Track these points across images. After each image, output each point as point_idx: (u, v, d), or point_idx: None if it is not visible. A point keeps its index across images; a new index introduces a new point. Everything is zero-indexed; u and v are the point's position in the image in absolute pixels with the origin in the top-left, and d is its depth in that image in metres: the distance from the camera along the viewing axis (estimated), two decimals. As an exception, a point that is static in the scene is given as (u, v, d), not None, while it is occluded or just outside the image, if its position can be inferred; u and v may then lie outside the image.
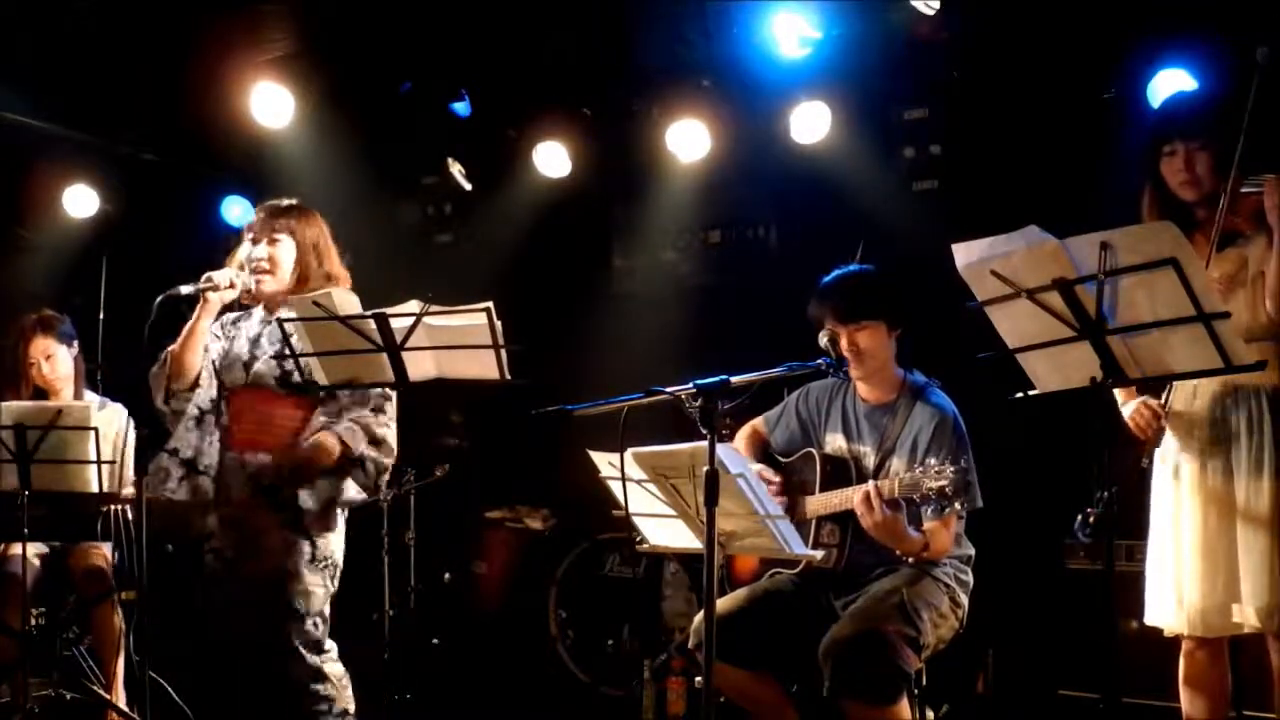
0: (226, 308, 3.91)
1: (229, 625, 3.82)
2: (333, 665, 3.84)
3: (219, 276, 3.81)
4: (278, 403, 3.84)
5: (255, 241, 3.89)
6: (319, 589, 3.81)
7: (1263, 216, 3.08)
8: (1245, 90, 3.09)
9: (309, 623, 3.78)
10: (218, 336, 3.95)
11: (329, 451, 3.71)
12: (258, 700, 3.84)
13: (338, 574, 3.88)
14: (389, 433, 3.82)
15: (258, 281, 3.85)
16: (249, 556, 3.79)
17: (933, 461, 3.30)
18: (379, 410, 3.81)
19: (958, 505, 3.24)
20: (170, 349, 3.81)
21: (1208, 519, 3.14)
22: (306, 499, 3.75)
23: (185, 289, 3.75)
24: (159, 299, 3.67)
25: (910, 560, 3.50)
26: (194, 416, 3.85)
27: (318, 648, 3.81)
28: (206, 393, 3.88)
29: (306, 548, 3.80)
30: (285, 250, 3.89)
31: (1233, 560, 3.10)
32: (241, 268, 3.88)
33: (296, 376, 3.67)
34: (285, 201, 3.98)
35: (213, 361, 3.91)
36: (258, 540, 3.79)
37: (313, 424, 3.79)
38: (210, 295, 3.79)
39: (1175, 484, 3.23)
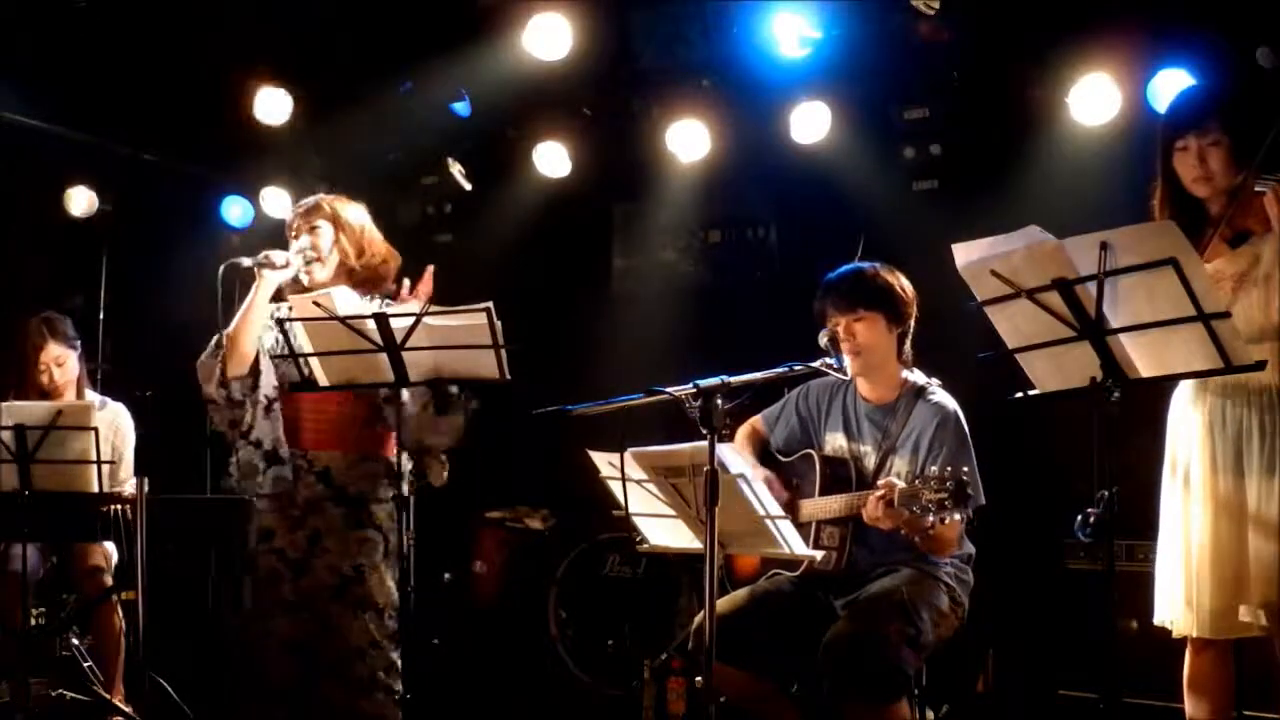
0: (277, 296, 3.89)
1: (289, 625, 3.75)
2: (397, 655, 3.80)
3: (276, 255, 3.80)
4: (335, 399, 3.82)
5: (296, 236, 3.91)
6: (391, 581, 3.79)
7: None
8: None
9: (386, 616, 3.78)
10: (270, 327, 3.90)
11: None
12: (318, 710, 3.76)
13: (403, 564, 3.84)
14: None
15: (308, 272, 3.85)
16: (317, 555, 3.77)
17: (934, 470, 3.29)
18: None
19: (958, 516, 3.23)
20: (224, 332, 3.75)
21: (1218, 520, 3.12)
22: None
23: (245, 261, 3.74)
24: (222, 268, 3.65)
25: (916, 543, 3.48)
26: (264, 405, 3.82)
27: (395, 640, 3.78)
28: (269, 379, 3.84)
29: (380, 541, 3.80)
30: (325, 237, 3.90)
31: (1242, 562, 3.08)
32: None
33: (297, 375, 3.68)
34: (321, 194, 4.01)
35: (270, 349, 3.88)
36: (328, 538, 3.78)
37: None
38: (266, 273, 3.77)
39: (1185, 485, 3.21)
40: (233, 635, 3.92)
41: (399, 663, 3.78)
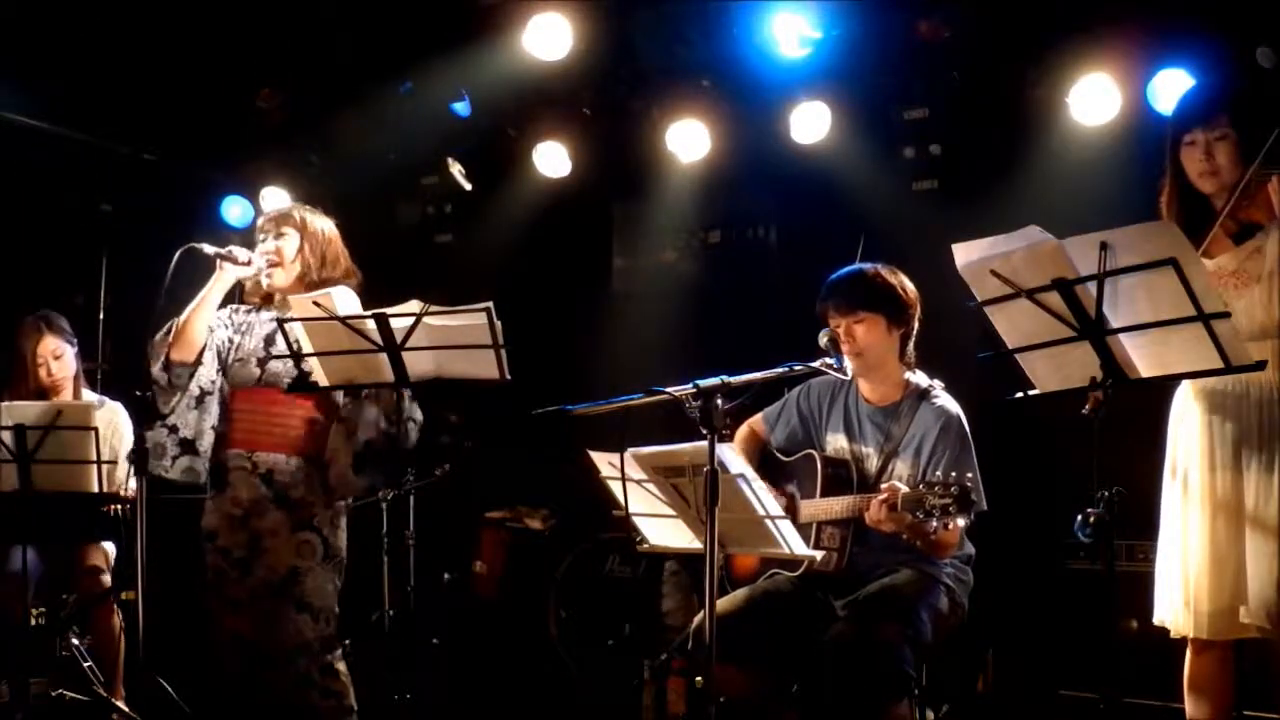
0: (235, 297, 3.94)
1: (237, 625, 3.81)
2: (340, 663, 3.86)
3: (239, 251, 3.87)
4: (288, 401, 3.85)
5: (263, 239, 3.96)
6: (330, 586, 3.83)
7: None
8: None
9: (322, 619, 3.79)
10: (225, 324, 3.96)
11: None
12: (263, 700, 3.84)
13: (343, 570, 3.90)
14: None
15: (268, 274, 3.90)
16: (258, 555, 3.80)
17: (938, 475, 3.29)
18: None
19: (961, 522, 3.23)
20: (176, 319, 3.82)
21: (1216, 521, 3.12)
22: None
23: (207, 249, 3.80)
24: (180, 250, 3.71)
25: (917, 546, 3.49)
26: (195, 396, 3.86)
27: (330, 645, 3.82)
28: (208, 373, 3.88)
29: (319, 545, 3.81)
30: (290, 245, 3.95)
31: (1241, 563, 3.08)
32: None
33: (309, 376, 3.69)
34: (295, 203, 4.06)
35: (218, 346, 3.92)
36: (268, 539, 3.80)
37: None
38: (227, 265, 3.84)
39: (1184, 485, 3.21)
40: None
41: (339, 666, 3.83)
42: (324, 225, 4.03)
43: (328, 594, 3.83)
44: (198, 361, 3.85)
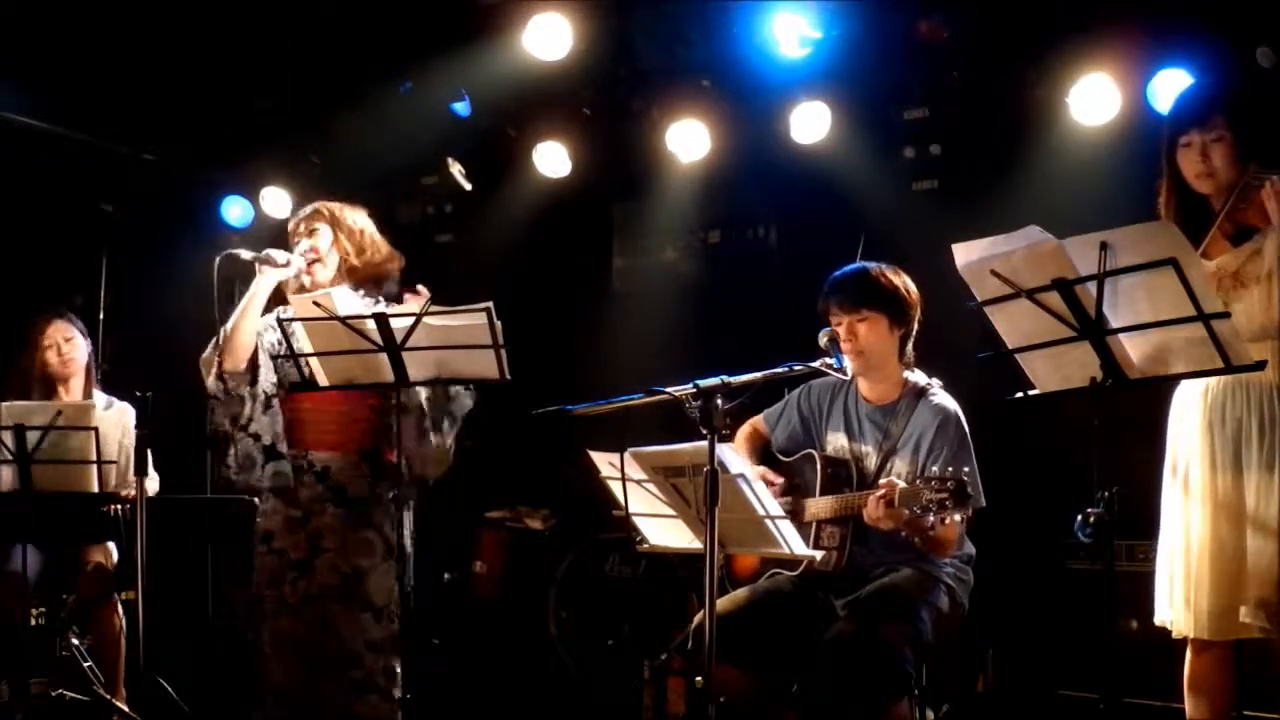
0: (278, 299, 3.92)
1: (290, 626, 3.77)
2: (398, 661, 3.83)
3: (276, 253, 3.84)
4: (337, 399, 3.85)
5: (297, 240, 3.95)
6: (393, 584, 3.81)
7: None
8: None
9: (385, 618, 3.78)
10: (273, 327, 3.93)
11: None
12: (316, 708, 3.78)
13: (408, 565, 3.86)
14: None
15: (309, 272, 3.89)
16: (319, 555, 3.79)
17: (934, 470, 3.29)
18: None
19: (957, 517, 3.23)
20: (223, 327, 3.79)
21: (1218, 522, 3.12)
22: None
23: (245, 254, 3.80)
24: (218, 258, 3.69)
25: (916, 544, 3.49)
26: (263, 401, 3.86)
27: (395, 645, 3.80)
28: (269, 375, 3.87)
29: (379, 542, 3.80)
30: (324, 239, 3.94)
31: (1242, 563, 3.08)
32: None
33: (297, 375, 3.69)
34: (321, 200, 4.05)
35: (269, 349, 3.91)
36: (328, 538, 3.79)
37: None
38: (266, 269, 3.81)
39: (1184, 485, 3.21)
40: (232, 635, 3.94)
41: (398, 667, 3.79)
42: (355, 215, 4.02)
43: (390, 590, 3.80)
44: (251, 366, 3.83)
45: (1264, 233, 3.09)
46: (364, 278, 3.93)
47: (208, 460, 6.07)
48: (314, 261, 3.89)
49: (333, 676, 3.76)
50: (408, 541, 3.87)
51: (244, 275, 3.86)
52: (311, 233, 3.93)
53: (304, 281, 3.89)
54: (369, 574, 3.78)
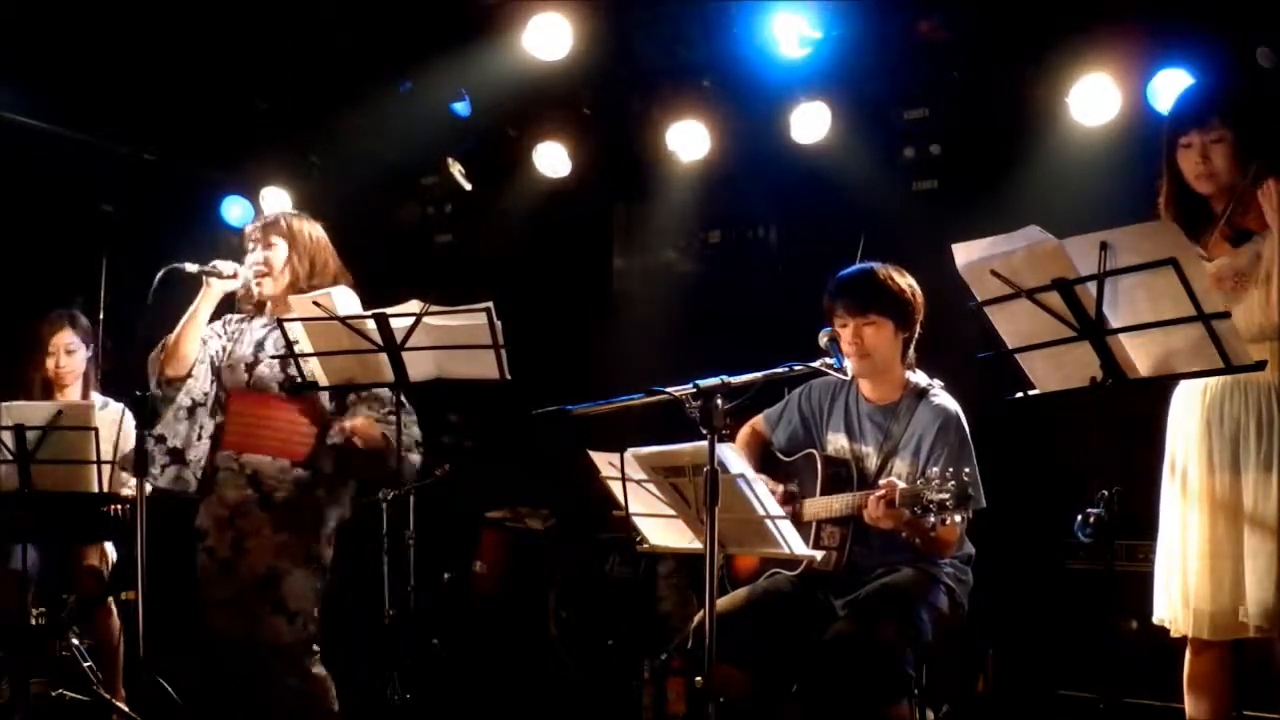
0: (227, 306, 3.97)
1: (221, 623, 3.84)
2: (317, 667, 3.87)
3: (223, 265, 3.90)
4: (278, 406, 3.88)
5: (251, 248, 3.99)
6: (310, 590, 3.84)
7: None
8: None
9: (298, 622, 3.80)
10: (219, 335, 4.01)
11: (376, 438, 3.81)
12: (248, 700, 3.88)
13: (326, 575, 3.91)
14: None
15: (258, 284, 3.92)
16: (241, 555, 3.81)
17: (935, 470, 3.29)
18: (409, 414, 3.87)
19: (958, 518, 3.23)
20: (168, 336, 3.89)
21: (1215, 522, 3.12)
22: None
23: (190, 267, 3.85)
24: (162, 271, 3.77)
25: (916, 544, 3.48)
26: (185, 407, 3.92)
27: (306, 648, 3.83)
28: (200, 385, 3.94)
29: (300, 548, 3.82)
30: (279, 254, 3.97)
31: (1240, 563, 3.08)
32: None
33: (299, 378, 3.69)
34: (283, 210, 4.08)
35: (211, 357, 3.97)
36: (251, 539, 3.81)
37: (333, 426, 3.86)
38: (213, 281, 3.88)
39: (1183, 484, 3.21)
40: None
41: (315, 670, 3.84)
42: (312, 231, 4.04)
43: (307, 597, 3.83)
44: (189, 375, 3.90)
45: (1263, 235, 3.09)
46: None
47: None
48: (263, 275, 3.94)
49: (258, 670, 3.82)
50: (327, 550, 3.90)
51: (191, 285, 3.91)
52: (269, 246, 3.96)
53: (251, 292, 3.96)
54: (285, 577, 3.80)
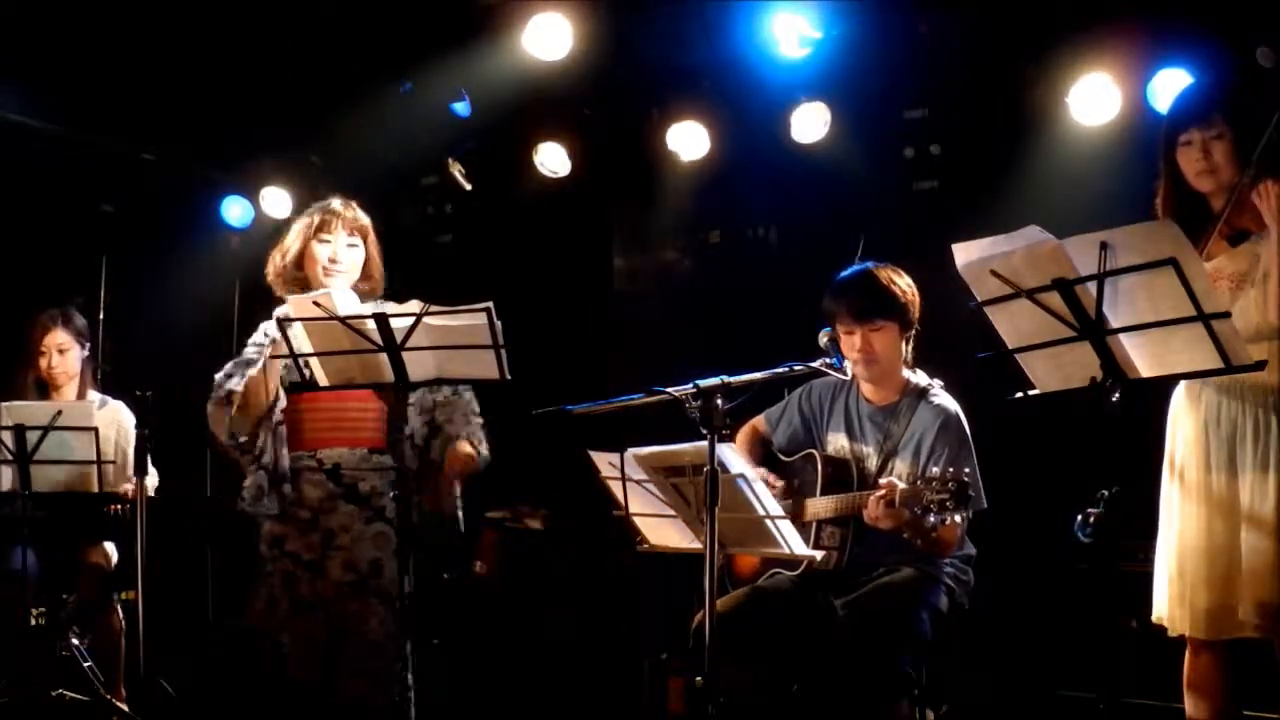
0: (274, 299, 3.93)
1: (309, 628, 3.79)
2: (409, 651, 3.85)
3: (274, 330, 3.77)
4: (350, 396, 3.84)
5: (327, 233, 3.93)
6: (405, 576, 3.82)
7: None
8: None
9: (399, 607, 3.79)
10: (267, 334, 3.93)
11: (472, 460, 3.82)
12: (335, 707, 3.80)
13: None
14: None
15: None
16: (333, 553, 3.80)
17: (935, 471, 3.29)
18: (477, 412, 3.89)
19: (958, 518, 3.23)
20: (234, 389, 3.79)
21: (1213, 521, 3.12)
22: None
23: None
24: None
25: (917, 544, 3.48)
26: (274, 424, 3.86)
27: (406, 633, 3.81)
28: (280, 404, 3.88)
29: (392, 535, 3.81)
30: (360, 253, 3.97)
31: (1237, 562, 3.08)
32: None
33: (297, 376, 3.68)
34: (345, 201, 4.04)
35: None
36: (341, 535, 3.80)
37: (411, 421, 3.79)
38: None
39: (1180, 484, 3.22)
40: (243, 640, 3.95)
41: (410, 656, 3.81)
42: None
43: (402, 583, 3.82)
44: (270, 408, 3.84)
45: (1261, 235, 3.09)
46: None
47: (207, 460, 6.10)
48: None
49: (353, 674, 3.78)
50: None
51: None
52: (351, 246, 3.92)
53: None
54: (385, 566, 3.79)
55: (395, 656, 3.75)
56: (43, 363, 4.94)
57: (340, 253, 3.90)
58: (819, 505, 3.61)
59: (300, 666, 3.81)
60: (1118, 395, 2.69)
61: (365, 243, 3.97)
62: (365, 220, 4.01)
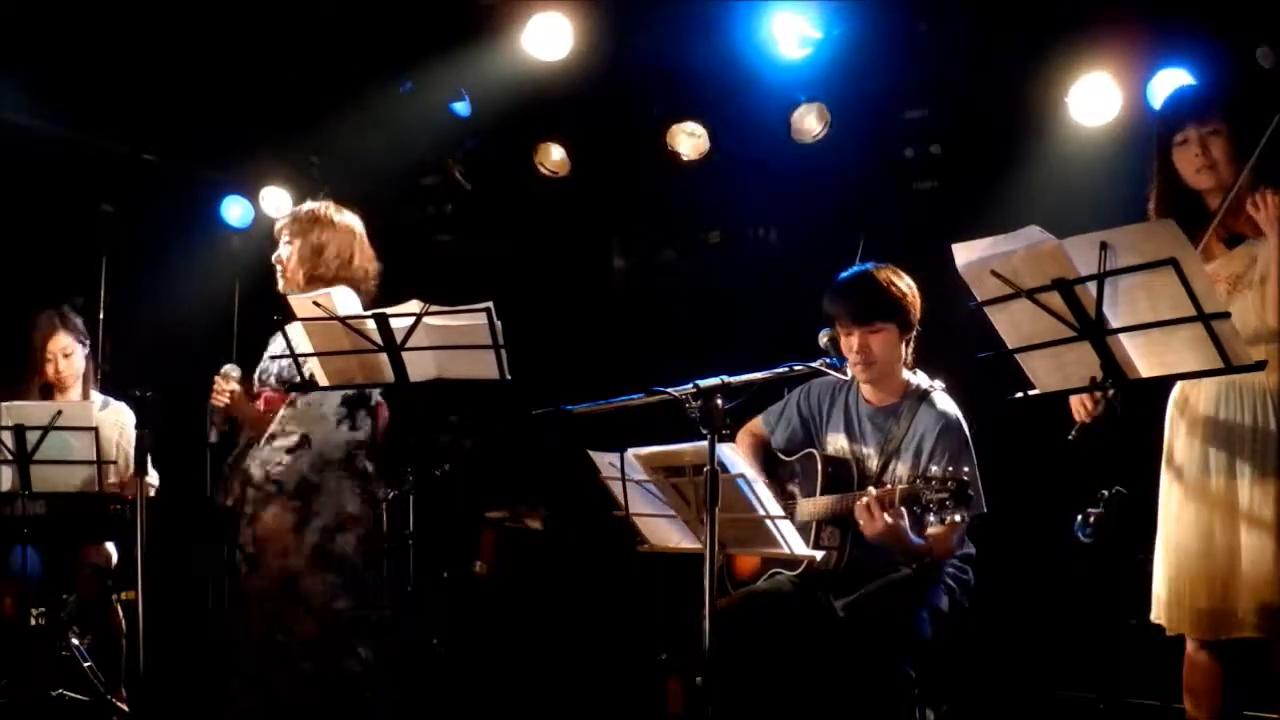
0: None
1: (256, 620, 3.84)
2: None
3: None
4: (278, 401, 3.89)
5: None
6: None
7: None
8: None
9: (327, 616, 3.83)
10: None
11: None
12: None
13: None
14: None
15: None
16: (262, 552, 3.83)
17: (935, 470, 3.29)
18: None
19: (958, 518, 3.23)
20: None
21: (1211, 522, 3.13)
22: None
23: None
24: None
25: (913, 567, 3.49)
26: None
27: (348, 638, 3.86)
28: None
29: (316, 541, 3.83)
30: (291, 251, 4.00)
31: (1235, 563, 3.08)
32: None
33: (297, 376, 3.69)
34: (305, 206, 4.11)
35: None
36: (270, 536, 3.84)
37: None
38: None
39: (1179, 485, 3.22)
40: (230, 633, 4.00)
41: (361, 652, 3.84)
42: (319, 232, 4.08)
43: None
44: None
45: (1258, 239, 3.09)
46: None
47: (208, 460, 6.09)
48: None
49: (299, 657, 3.86)
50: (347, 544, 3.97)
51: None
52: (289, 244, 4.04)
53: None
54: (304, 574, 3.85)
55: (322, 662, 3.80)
56: (49, 369, 4.95)
57: (281, 256, 4.01)
58: (816, 505, 3.61)
59: (245, 660, 3.90)
60: (1117, 395, 2.69)
61: (302, 239, 4.02)
62: (303, 215, 4.09)
